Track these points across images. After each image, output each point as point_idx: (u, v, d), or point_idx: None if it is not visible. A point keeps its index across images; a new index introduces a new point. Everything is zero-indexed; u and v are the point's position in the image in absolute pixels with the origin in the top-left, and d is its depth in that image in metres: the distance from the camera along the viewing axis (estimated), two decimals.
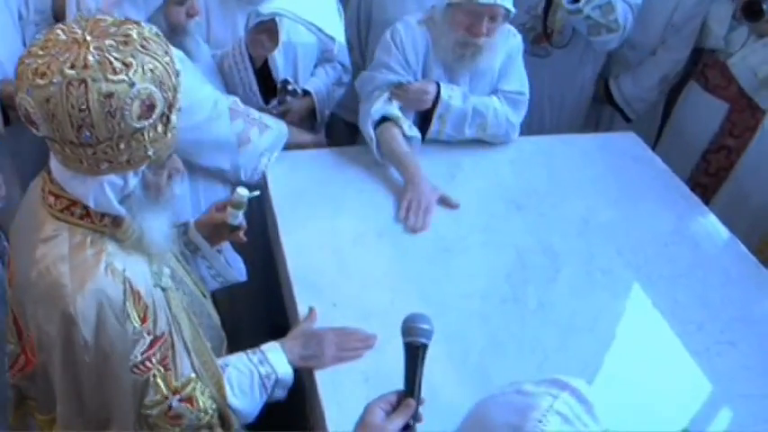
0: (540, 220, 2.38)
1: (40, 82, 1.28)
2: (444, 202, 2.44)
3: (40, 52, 1.31)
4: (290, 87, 2.65)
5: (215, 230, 1.96)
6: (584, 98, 3.54)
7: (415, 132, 2.58)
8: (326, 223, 2.30)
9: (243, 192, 1.88)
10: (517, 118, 2.70)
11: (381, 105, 2.57)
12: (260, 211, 2.46)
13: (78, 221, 1.47)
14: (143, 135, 1.37)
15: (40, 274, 1.46)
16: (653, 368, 1.90)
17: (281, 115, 2.67)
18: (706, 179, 3.27)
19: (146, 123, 1.35)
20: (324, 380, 1.81)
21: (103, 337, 1.47)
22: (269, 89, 2.64)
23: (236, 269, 2.12)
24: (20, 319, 1.63)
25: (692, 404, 1.83)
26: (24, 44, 2.54)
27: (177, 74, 1.40)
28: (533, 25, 3.21)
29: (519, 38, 2.68)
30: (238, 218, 1.90)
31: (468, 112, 2.60)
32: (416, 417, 1.50)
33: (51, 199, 1.48)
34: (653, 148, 2.94)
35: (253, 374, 1.73)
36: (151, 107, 1.34)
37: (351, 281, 2.08)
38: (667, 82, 3.40)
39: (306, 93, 2.77)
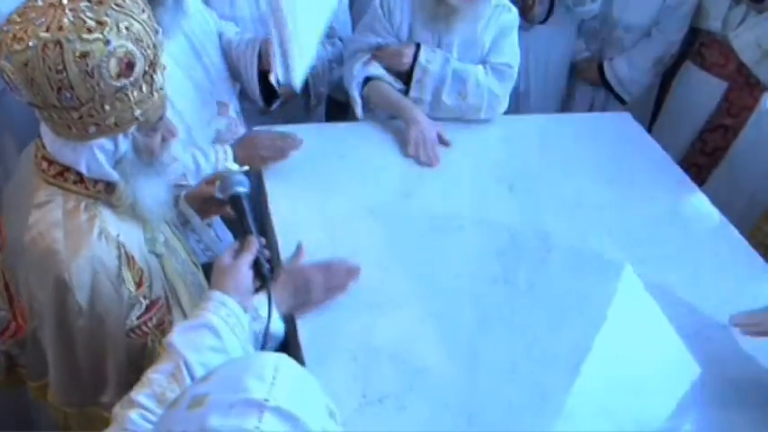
0: (532, 200, 2.36)
1: (17, 47, 1.29)
2: (440, 138, 2.54)
3: (18, 19, 1.32)
4: None
5: (204, 204, 1.95)
6: (560, 76, 3.57)
7: (399, 86, 2.61)
8: (317, 200, 2.28)
9: (232, 166, 1.86)
10: (502, 90, 2.64)
11: (363, 66, 2.58)
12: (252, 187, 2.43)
13: (72, 187, 1.49)
14: (126, 95, 1.37)
15: (33, 239, 1.48)
16: (643, 351, 1.89)
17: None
18: (702, 159, 3.27)
19: (126, 82, 1.35)
20: (310, 357, 1.79)
21: (98, 303, 1.50)
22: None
23: (226, 244, 2.11)
24: (11, 284, 1.64)
25: (681, 387, 1.83)
26: None
27: (156, 32, 1.41)
28: None
29: (514, 12, 2.64)
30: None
31: (446, 77, 2.57)
32: (262, 252, 1.61)
33: (45, 164, 1.50)
34: (648, 131, 2.92)
35: (247, 333, 1.70)
36: (130, 65, 1.34)
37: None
38: (662, 63, 3.39)
39: None
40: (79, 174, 1.48)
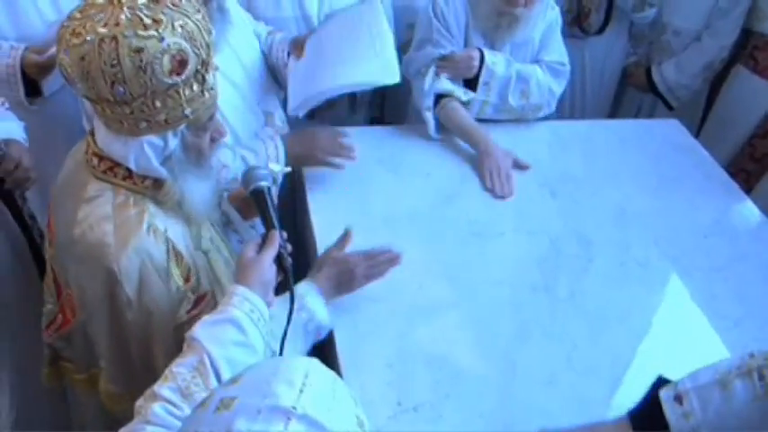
0: (574, 207, 2.33)
1: (76, 41, 1.34)
2: (517, 165, 2.48)
3: (78, 15, 1.38)
4: None
5: (246, 204, 1.95)
6: (614, 82, 3.52)
7: (470, 95, 2.58)
8: (357, 203, 2.28)
9: (275, 167, 1.87)
10: (558, 88, 2.69)
11: (431, 82, 2.55)
12: (292, 190, 2.44)
13: (121, 182, 1.53)
14: (178, 93, 1.41)
15: (84, 233, 1.51)
16: (687, 365, 1.83)
17: None
18: (751, 165, 3.18)
19: (178, 80, 1.39)
20: (347, 363, 1.79)
21: (146, 295, 1.53)
22: None
23: None
24: (59, 278, 1.68)
25: None
26: None
27: (210, 32, 1.44)
28: (570, 7, 3.16)
29: (557, 10, 2.66)
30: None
31: (511, 78, 2.58)
32: (285, 247, 1.60)
33: (95, 160, 1.54)
34: (696, 137, 2.86)
35: (295, 324, 1.67)
36: (182, 63, 1.37)
37: None
38: (712, 69, 3.29)
39: None
40: (128, 169, 1.51)
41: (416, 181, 2.39)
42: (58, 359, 1.81)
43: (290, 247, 1.62)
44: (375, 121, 2.98)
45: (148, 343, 1.60)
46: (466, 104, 2.58)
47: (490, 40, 2.58)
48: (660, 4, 3.16)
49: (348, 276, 1.85)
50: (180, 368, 1.36)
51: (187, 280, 1.59)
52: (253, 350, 1.44)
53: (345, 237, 1.93)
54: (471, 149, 2.53)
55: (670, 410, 1.49)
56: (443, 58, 2.56)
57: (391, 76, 2.22)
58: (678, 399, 1.50)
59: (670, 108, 3.38)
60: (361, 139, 2.54)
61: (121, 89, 1.36)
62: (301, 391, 0.94)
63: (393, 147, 2.53)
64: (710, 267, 2.13)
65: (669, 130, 2.76)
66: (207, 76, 1.45)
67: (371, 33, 2.32)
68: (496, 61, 2.55)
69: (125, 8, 1.34)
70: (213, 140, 1.58)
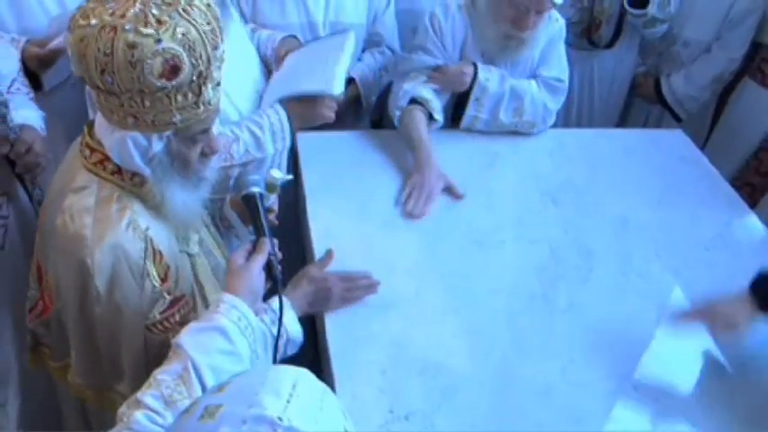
0: (576, 217, 2.30)
1: (82, 22, 1.35)
2: (450, 191, 2.35)
3: None
4: None
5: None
6: (622, 95, 3.49)
7: (440, 118, 2.54)
8: (357, 207, 2.26)
9: (277, 174, 1.86)
10: (555, 105, 2.63)
11: (414, 86, 2.51)
12: (294, 197, 2.42)
13: (109, 176, 1.53)
14: (168, 98, 1.40)
15: (64, 222, 1.52)
16: (686, 381, 1.82)
17: None
18: (756, 178, 3.15)
19: (167, 84, 1.37)
20: (339, 368, 1.77)
21: (117, 292, 1.53)
22: None
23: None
24: (42, 264, 1.68)
25: (726, 421, 1.74)
26: None
27: (216, 47, 1.42)
28: (580, 18, 3.14)
29: (562, 22, 2.60)
30: (270, 200, 1.87)
31: (504, 95, 2.54)
32: (275, 254, 1.60)
33: (87, 151, 1.55)
34: (702, 149, 2.83)
35: (266, 336, 1.65)
36: (175, 69, 1.36)
37: (376, 268, 2.01)
38: (721, 81, 3.26)
39: (350, 80, 2.72)
40: (117, 165, 1.51)
41: None
42: (39, 345, 1.82)
43: (280, 255, 1.61)
44: (374, 124, 2.96)
45: (116, 340, 1.59)
46: (431, 121, 2.52)
47: (489, 59, 2.56)
48: (671, 20, 3.12)
49: (324, 295, 1.84)
50: (164, 375, 1.34)
51: (164, 280, 1.58)
52: (239, 359, 1.43)
53: (327, 256, 1.92)
54: (475, 157, 2.52)
55: None
56: (436, 68, 2.54)
57: (330, 89, 2.28)
58: None
59: (678, 119, 3.35)
60: (364, 142, 2.54)
61: (110, 79, 1.36)
62: (288, 401, 0.93)
63: (392, 151, 2.50)
64: (712, 281, 2.09)
65: (674, 142, 2.73)
66: (204, 89, 1.44)
67: (329, 54, 2.41)
68: (490, 77, 2.52)
69: (138, 3, 1.34)
70: (204, 155, 1.57)
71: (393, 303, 1.93)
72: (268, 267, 1.56)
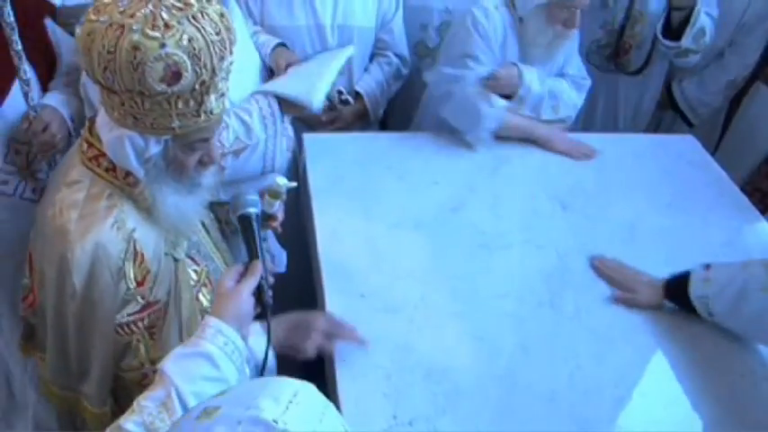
0: (585, 222, 2.28)
1: (93, 17, 1.34)
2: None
3: None
4: (342, 98, 2.63)
5: None
6: (647, 118, 3.44)
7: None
8: (362, 209, 2.24)
9: (281, 181, 1.84)
10: (580, 101, 2.73)
11: (490, 107, 2.52)
12: (296, 204, 2.40)
13: (103, 173, 1.52)
14: (168, 103, 1.38)
15: (53, 215, 1.51)
16: (694, 390, 1.79)
17: (330, 122, 2.68)
18: (767, 184, 3.11)
19: (168, 90, 1.35)
20: (343, 372, 1.75)
21: (93, 290, 1.51)
22: None
23: (278, 260, 2.09)
24: (33, 253, 1.66)
25: (735, 427, 1.71)
26: None
27: (223, 58, 1.40)
28: (608, 42, 3.09)
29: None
30: (274, 207, 1.86)
31: (545, 95, 2.59)
32: (266, 278, 1.53)
33: (85, 146, 1.54)
34: (713, 154, 2.80)
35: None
36: (176, 75, 1.34)
37: (382, 271, 2.01)
38: (734, 87, 3.22)
39: (357, 94, 2.74)
40: (112, 162, 1.50)
41: (423, 189, 2.35)
42: (32, 334, 1.79)
43: (272, 279, 1.57)
44: (380, 125, 2.95)
45: (86, 339, 1.57)
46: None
47: (528, 59, 2.57)
48: (704, 51, 3.03)
49: (304, 330, 1.70)
50: (147, 402, 1.31)
51: (141, 283, 1.54)
52: (226, 384, 1.37)
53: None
54: (484, 159, 2.51)
55: (694, 276, 1.88)
56: (489, 77, 2.52)
57: (310, 101, 2.22)
58: (707, 268, 1.88)
59: (690, 125, 3.32)
60: (370, 144, 2.52)
61: (111, 77, 1.34)
62: (287, 408, 0.91)
63: (401, 153, 2.49)
64: None
65: (684, 146, 2.71)
66: (206, 98, 1.41)
67: (320, 69, 2.39)
68: (532, 78, 2.55)
69: (150, 4, 1.32)
70: (202, 163, 1.55)
71: (398, 307, 1.92)
72: (258, 292, 1.50)
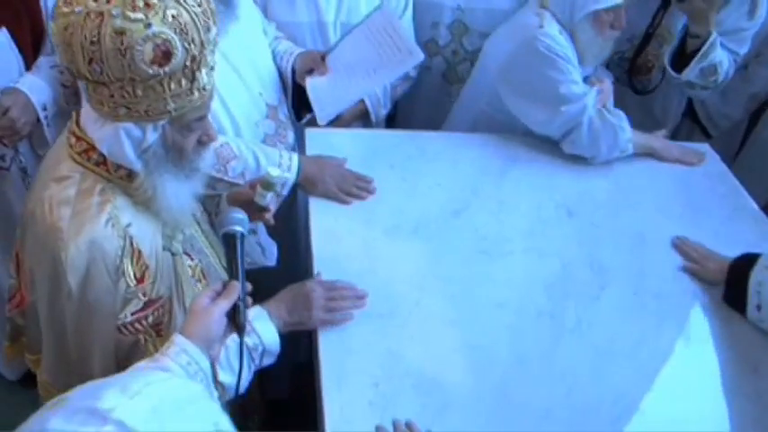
0: (591, 230, 2.19)
1: (65, 9, 1.28)
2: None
3: None
4: None
5: (243, 207, 1.85)
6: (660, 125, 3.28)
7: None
8: (360, 209, 2.16)
9: (274, 172, 1.77)
10: None
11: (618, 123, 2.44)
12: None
13: (94, 167, 1.46)
14: (161, 85, 1.33)
15: (43, 213, 1.45)
16: (697, 411, 1.71)
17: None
18: None
19: (160, 71, 1.30)
20: (329, 378, 1.68)
21: (90, 290, 1.46)
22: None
23: (268, 253, 2.03)
24: (21, 254, 1.61)
25: None
26: None
27: (209, 29, 1.35)
28: (631, 56, 2.96)
29: None
30: (266, 198, 1.80)
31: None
32: (244, 300, 1.47)
33: (73, 140, 1.48)
34: (730, 165, 2.69)
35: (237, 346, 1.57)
36: (167, 54, 1.29)
37: (377, 275, 1.93)
38: (757, 100, 3.10)
39: None
40: (103, 155, 1.44)
41: (425, 190, 2.27)
42: (20, 335, 1.76)
43: (249, 301, 1.50)
44: (389, 118, 2.88)
45: (86, 339, 1.52)
46: None
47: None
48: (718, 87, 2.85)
49: (303, 302, 1.74)
50: None
51: (140, 281, 1.50)
52: None
53: (315, 277, 1.87)
54: (489, 161, 2.42)
55: (762, 260, 1.90)
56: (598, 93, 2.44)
57: (415, 58, 2.37)
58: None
59: (708, 136, 3.21)
60: (373, 142, 2.45)
61: (98, 68, 1.28)
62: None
63: (402, 153, 2.41)
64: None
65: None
66: (198, 74, 1.37)
67: (389, 34, 2.37)
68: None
69: None
70: (201, 143, 1.50)
71: (391, 312, 1.84)
72: (233, 314, 1.44)
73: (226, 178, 2.05)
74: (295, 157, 2.15)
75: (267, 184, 1.78)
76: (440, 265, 2.01)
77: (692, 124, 3.26)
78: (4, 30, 2.13)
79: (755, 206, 2.39)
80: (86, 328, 1.50)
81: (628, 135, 2.44)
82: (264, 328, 1.64)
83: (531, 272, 2.03)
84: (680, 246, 2.14)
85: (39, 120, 2.24)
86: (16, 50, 2.19)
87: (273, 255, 2.12)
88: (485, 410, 1.65)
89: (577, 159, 2.47)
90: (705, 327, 1.92)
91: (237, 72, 2.22)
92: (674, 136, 3.31)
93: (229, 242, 1.54)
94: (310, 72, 2.44)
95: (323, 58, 2.45)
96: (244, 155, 2.09)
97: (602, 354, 1.80)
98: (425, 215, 2.17)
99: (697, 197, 2.39)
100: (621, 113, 2.44)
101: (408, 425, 1.54)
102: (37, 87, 2.20)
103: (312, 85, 2.42)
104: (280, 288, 1.81)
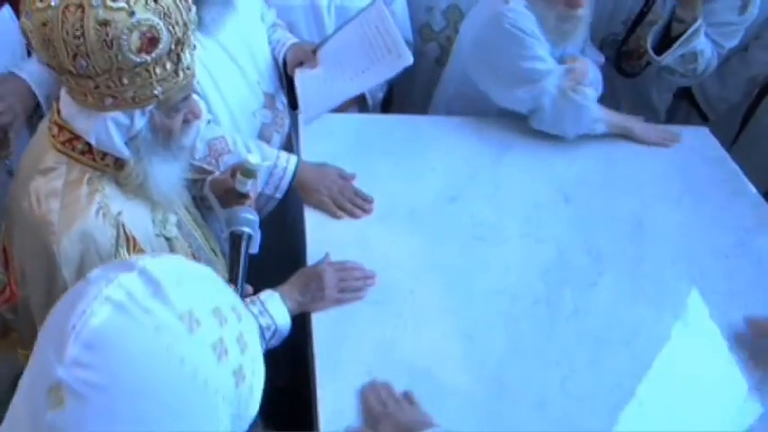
0: (588, 216, 2.16)
1: (39, 5, 1.24)
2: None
3: None
4: None
5: (225, 194, 1.84)
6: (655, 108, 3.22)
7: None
8: None
9: (254, 159, 1.74)
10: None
11: (588, 99, 2.39)
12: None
13: (79, 157, 1.43)
14: (148, 71, 1.31)
15: (31, 206, 1.43)
16: (694, 398, 1.69)
17: None
18: None
19: (147, 58, 1.28)
20: (322, 365, 1.66)
21: None
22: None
23: (253, 241, 2.01)
24: (9, 248, 1.59)
25: None
26: None
27: (189, 9, 1.33)
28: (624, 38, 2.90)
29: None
30: (246, 185, 1.77)
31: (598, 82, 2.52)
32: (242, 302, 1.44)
33: (55, 129, 1.45)
34: (729, 150, 2.66)
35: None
36: (153, 40, 1.26)
37: (371, 261, 1.90)
38: (756, 83, 3.05)
39: None
40: (88, 144, 1.41)
41: (420, 176, 2.24)
42: (10, 330, 1.74)
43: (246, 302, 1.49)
44: (385, 102, 2.84)
45: None
46: None
47: (554, 47, 2.43)
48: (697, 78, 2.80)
49: (316, 283, 1.76)
50: None
51: None
52: None
53: (324, 258, 1.87)
54: (486, 146, 2.39)
55: None
56: (569, 70, 2.39)
57: (404, 61, 2.25)
58: None
59: (705, 119, 3.17)
60: (368, 127, 2.42)
61: (84, 62, 1.26)
62: (154, 258, 0.91)
63: (398, 137, 2.38)
64: (730, 291, 1.96)
65: (698, 139, 2.57)
66: (182, 56, 1.35)
67: (380, 33, 2.31)
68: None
69: None
70: (187, 121, 1.48)
71: (385, 299, 1.82)
72: None
73: (217, 172, 2.02)
74: (293, 159, 2.10)
75: (247, 171, 1.75)
76: (435, 251, 1.99)
77: (689, 108, 3.22)
78: (7, 6, 2.06)
79: (754, 191, 2.36)
80: None
81: (594, 115, 2.40)
82: (277, 309, 1.67)
83: (528, 258, 2.00)
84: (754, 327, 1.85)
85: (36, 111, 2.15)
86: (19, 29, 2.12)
87: (257, 243, 2.09)
88: (479, 398, 1.63)
89: (574, 144, 2.43)
90: (702, 313, 1.90)
91: (236, 62, 2.20)
92: (671, 119, 3.28)
93: (235, 242, 1.53)
94: (301, 65, 2.40)
95: (314, 52, 2.41)
96: (239, 149, 2.05)
97: (599, 341, 1.78)
98: (420, 201, 2.14)
99: (695, 182, 2.36)
100: (588, 93, 2.37)
101: (388, 388, 1.57)
102: (39, 77, 2.08)
103: (301, 79, 2.38)
104: (266, 275, 1.79)
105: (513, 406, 1.62)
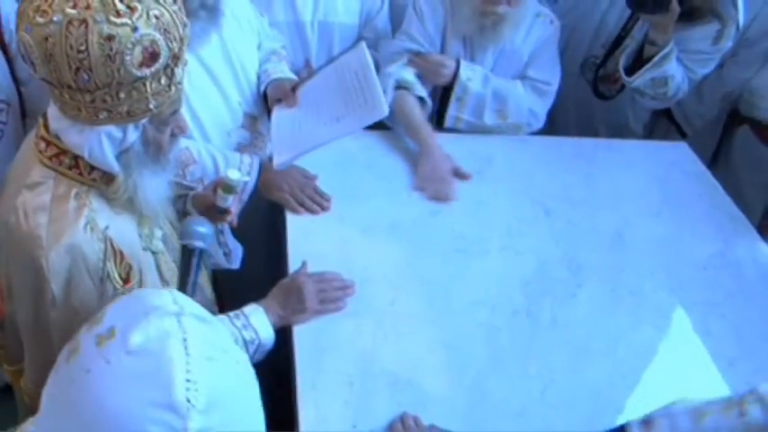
0: (568, 229, 2.18)
1: (40, 20, 1.24)
2: (457, 173, 2.32)
3: None
4: None
5: (207, 210, 1.84)
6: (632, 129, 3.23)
7: (429, 102, 2.47)
8: (337, 208, 2.15)
9: (234, 175, 1.75)
10: (541, 108, 2.54)
11: (397, 68, 2.43)
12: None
13: (66, 171, 1.43)
14: (144, 86, 1.32)
15: (18, 221, 1.42)
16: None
17: None
18: None
19: (147, 72, 1.29)
20: (304, 376, 1.66)
21: (74, 296, 1.44)
22: None
23: (234, 255, 2.02)
24: None
25: None
26: None
27: (185, 25, 1.35)
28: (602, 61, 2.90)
29: (556, 25, 2.51)
30: (228, 201, 1.78)
31: (487, 97, 2.45)
32: None
33: (42, 144, 1.44)
34: (709, 166, 2.69)
35: (237, 341, 1.61)
36: (154, 55, 1.28)
37: (352, 273, 1.91)
38: (730, 100, 3.11)
39: None
40: (75, 158, 1.41)
41: (403, 190, 2.26)
42: None
43: None
44: None
45: None
46: (423, 105, 2.47)
47: (470, 47, 2.46)
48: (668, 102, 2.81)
49: (296, 296, 1.78)
50: None
51: (127, 281, 1.48)
52: None
53: (302, 268, 1.88)
54: (466, 160, 2.39)
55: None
56: (417, 54, 2.45)
57: (379, 113, 2.12)
58: (647, 423, 1.44)
59: (683, 135, 3.21)
60: (352, 141, 2.42)
61: (86, 77, 1.26)
62: (178, 303, 1.00)
63: (380, 152, 2.41)
64: (708, 302, 1.98)
65: (677, 154, 2.61)
66: (176, 70, 1.36)
67: (359, 80, 2.23)
68: (472, 77, 2.44)
69: None
70: (174, 135, 1.50)
71: (366, 311, 1.83)
72: None
73: (184, 182, 2.02)
74: (256, 160, 2.13)
75: (227, 187, 1.76)
76: (416, 263, 2.00)
77: (668, 123, 3.26)
78: None
79: (732, 203, 2.39)
80: (72, 333, 1.47)
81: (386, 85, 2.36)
82: (260, 324, 1.68)
83: (508, 270, 2.02)
84: None
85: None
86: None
87: (238, 257, 2.09)
88: (460, 409, 1.64)
89: (554, 159, 2.47)
90: (681, 323, 1.92)
91: (214, 78, 2.19)
92: (650, 135, 3.32)
93: (186, 255, 1.54)
94: (279, 101, 2.37)
95: (294, 89, 2.35)
96: (203, 159, 2.06)
97: (579, 351, 1.80)
98: (403, 215, 2.15)
99: (674, 195, 2.39)
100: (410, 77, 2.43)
101: (415, 419, 1.56)
102: None
103: (277, 118, 2.32)
104: (245, 289, 1.80)
105: (494, 415, 1.63)
